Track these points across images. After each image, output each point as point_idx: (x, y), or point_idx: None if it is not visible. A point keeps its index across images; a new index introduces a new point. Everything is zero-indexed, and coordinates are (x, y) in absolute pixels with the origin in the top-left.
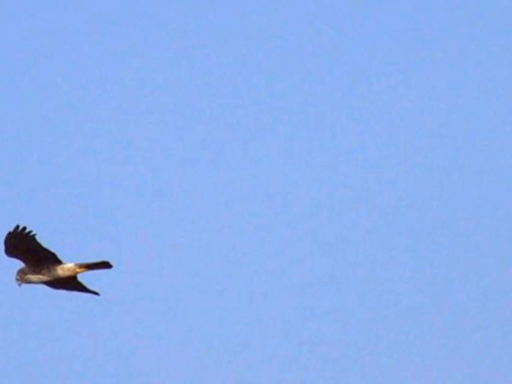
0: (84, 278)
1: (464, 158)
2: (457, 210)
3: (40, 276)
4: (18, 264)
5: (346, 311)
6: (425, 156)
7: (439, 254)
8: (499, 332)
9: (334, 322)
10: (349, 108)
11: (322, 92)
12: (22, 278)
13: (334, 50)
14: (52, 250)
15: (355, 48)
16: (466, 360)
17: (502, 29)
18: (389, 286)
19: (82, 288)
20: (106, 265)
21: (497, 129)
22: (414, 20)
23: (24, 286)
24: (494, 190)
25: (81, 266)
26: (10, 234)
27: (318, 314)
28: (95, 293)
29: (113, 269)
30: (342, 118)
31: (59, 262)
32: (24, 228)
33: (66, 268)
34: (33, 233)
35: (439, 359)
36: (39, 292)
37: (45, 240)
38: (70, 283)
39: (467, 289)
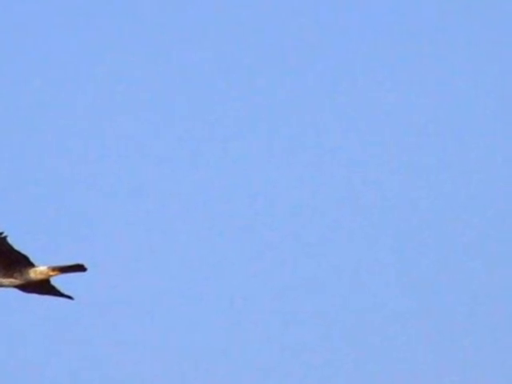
0: (57, 281)
1: (452, 156)
2: (444, 211)
3: (12, 279)
4: None
5: (329, 315)
6: (411, 155)
7: (426, 257)
8: (489, 337)
9: (317, 327)
10: (332, 105)
11: (304, 88)
12: None
13: (317, 44)
14: (24, 252)
15: (339, 42)
16: (454, 366)
17: (492, 24)
18: (374, 289)
19: (55, 292)
20: (80, 268)
21: (486, 126)
22: (401, 13)
23: None
24: (483, 189)
25: (54, 269)
26: None
27: (300, 318)
28: (69, 297)
29: (87, 272)
30: (325, 115)
31: (31, 265)
32: None
33: (38, 271)
34: (4, 234)
35: (427, 365)
36: (10, 296)
37: (16, 242)
38: (43, 287)
39: (455, 292)
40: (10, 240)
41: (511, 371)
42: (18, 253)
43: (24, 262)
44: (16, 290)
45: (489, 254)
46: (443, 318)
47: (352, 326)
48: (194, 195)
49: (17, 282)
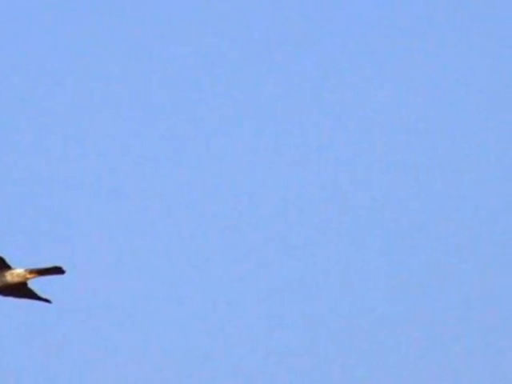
0: (35, 284)
1: (442, 155)
2: (434, 212)
3: None
4: None
5: (316, 319)
6: (400, 153)
7: (416, 259)
8: (480, 341)
9: (304, 332)
10: (319, 102)
11: (290, 85)
12: None
13: (303, 39)
14: (0, 254)
15: (326, 38)
16: (444, 372)
17: (482, 20)
18: (362, 292)
19: (32, 295)
20: (58, 270)
21: (476, 125)
22: (390, 7)
23: None
24: (474, 190)
25: (31, 271)
26: None
27: (286, 322)
28: (47, 300)
29: (66, 274)
30: (311, 113)
31: (8, 268)
32: None
33: (15, 274)
34: None
35: (416, 371)
36: None
37: None
38: (20, 290)
39: (446, 296)
40: None
41: (502, 375)
42: None
43: (0, 265)
44: None
45: (481, 255)
46: (434, 323)
47: (340, 330)
48: (177, 196)
49: None
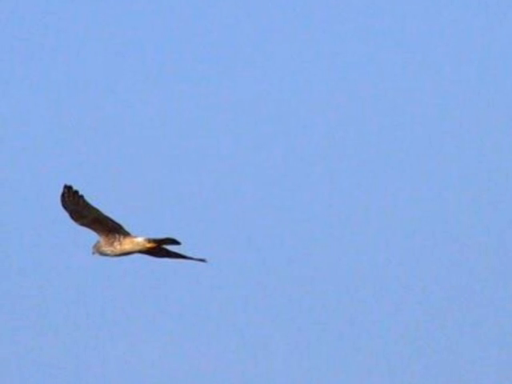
0: None
1: (417, 157)
2: (411, 216)
3: None
4: None
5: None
6: (367, 153)
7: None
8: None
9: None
10: (276, 96)
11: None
12: None
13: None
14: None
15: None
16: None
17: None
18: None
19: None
20: (173, 242)
21: (465, 123)
22: None
23: None
24: (455, 193)
25: (150, 240)
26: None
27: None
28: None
29: None
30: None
31: (128, 235)
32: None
33: (135, 242)
34: None
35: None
36: None
37: None
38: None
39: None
40: None
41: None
42: None
43: (119, 231)
44: None
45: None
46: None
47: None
48: (140, 195)
49: None
